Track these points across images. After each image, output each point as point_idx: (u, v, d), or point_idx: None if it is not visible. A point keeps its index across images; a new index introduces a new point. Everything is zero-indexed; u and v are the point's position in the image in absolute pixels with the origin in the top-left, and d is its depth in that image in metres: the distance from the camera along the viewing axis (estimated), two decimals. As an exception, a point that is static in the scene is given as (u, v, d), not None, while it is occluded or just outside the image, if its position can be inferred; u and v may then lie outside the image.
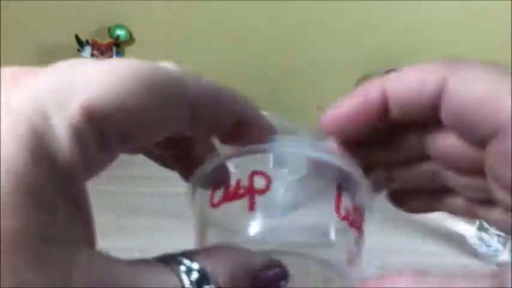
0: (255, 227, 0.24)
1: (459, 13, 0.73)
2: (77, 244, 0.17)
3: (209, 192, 0.25)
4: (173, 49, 0.75)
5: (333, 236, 0.24)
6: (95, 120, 0.17)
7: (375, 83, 0.23)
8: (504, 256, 0.57)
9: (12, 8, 0.70)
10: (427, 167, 0.25)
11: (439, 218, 0.62)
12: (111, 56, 0.77)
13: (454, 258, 0.58)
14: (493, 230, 0.57)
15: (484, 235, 0.58)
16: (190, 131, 0.22)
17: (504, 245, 0.57)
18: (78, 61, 0.19)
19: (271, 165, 0.24)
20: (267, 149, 0.24)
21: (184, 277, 0.18)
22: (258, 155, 0.24)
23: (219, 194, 0.24)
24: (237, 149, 0.24)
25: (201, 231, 0.25)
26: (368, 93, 0.23)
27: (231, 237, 0.24)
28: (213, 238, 0.25)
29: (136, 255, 0.20)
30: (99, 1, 0.74)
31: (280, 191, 0.24)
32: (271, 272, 0.21)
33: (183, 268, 0.18)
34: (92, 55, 0.77)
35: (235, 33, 0.75)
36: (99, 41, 0.76)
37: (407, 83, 0.23)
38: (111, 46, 0.76)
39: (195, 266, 0.19)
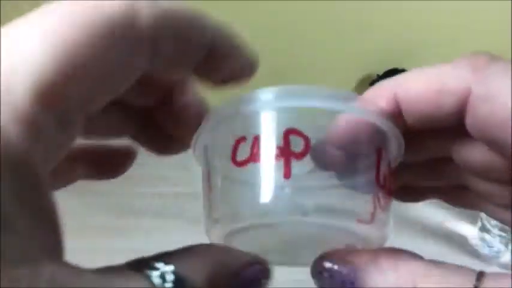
0: (286, 199, 0.21)
1: (459, 13, 0.73)
2: (39, 260, 0.15)
3: (231, 144, 0.21)
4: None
5: (370, 209, 0.21)
6: (48, 102, 0.15)
7: (384, 90, 0.21)
8: (506, 257, 0.57)
9: (10, 6, 0.70)
10: (448, 168, 0.22)
11: (440, 219, 0.62)
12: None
13: (455, 259, 0.57)
14: (495, 231, 0.57)
15: (486, 236, 0.58)
16: (153, 69, 0.19)
17: (506, 245, 0.57)
18: (8, 30, 0.16)
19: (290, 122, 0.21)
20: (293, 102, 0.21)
21: (158, 282, 0.17)
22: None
23: (244, 150, 0.21)
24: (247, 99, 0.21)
25: (222, 189, 0.22)
26: (376, 102, 0.21)
27: (259, 200, 0.21)
28: (236, 198, 0.22)
29: (136, 255, 0.20)
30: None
31: (318, 157, 0.21)
32: (251, 270, 0.20)
33: (156, 273, 0.17)
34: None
35: (237, 31, 0.75)
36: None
37: (422, 94, 0.20)
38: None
39: (170, 268, 0.17)
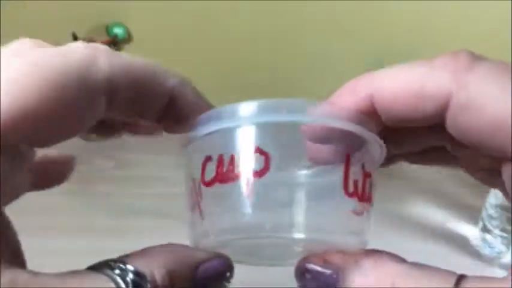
0: (251, 216, 0.21)
1: (459, 13, 0.73)
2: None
3: (201, 163, 0.22)
4: (172, 48, 0.75)
5: (338, 218, 0.21)
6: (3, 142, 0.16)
7: (359, 89, 0.20)
8: (507, 258, 0.56)
9: (10, 6, 0.69)
10: (424, 135, 0.22)
11: (441, 219, 0.62)
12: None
13: (456, 260, 0.57)
14: (496, 232, 0.57)
15: (487, 236, 0.57)
16: (111, 115, 0.20)
17: (507, 246, 0.56)
18: None
19: (256, 141, 0.21)
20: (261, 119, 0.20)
21: (119, 281, 0.18)
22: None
23: (211, 169, 0.21)
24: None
25: (194, 204, 0.22)
26: (347, 103, 0.20)
27: (223, 219, 0.22)
28: (208, 215, 0.22)
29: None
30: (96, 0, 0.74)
31: (281, 172, 0.21)
32: (210, 264, 0.21)
33: (117, 271, 0.18)
34: (90, 54, 0.77)
35: (236, 31, 0.74)
36: (97, 40, 0.76)
37: (400, 97, 0.19)
38: (109, 45, 0.76)
39: (130, 268, 0.18)
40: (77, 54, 0.18)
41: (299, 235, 0.21)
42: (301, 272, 0.20)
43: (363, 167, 0.21)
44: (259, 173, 0.21)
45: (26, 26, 0.72)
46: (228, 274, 0.22)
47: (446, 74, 0.18)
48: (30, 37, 0.21)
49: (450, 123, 0.18)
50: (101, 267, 0.18)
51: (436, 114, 0.18)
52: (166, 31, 0.75)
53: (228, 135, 0.21)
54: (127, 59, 0.19)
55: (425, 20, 0.74)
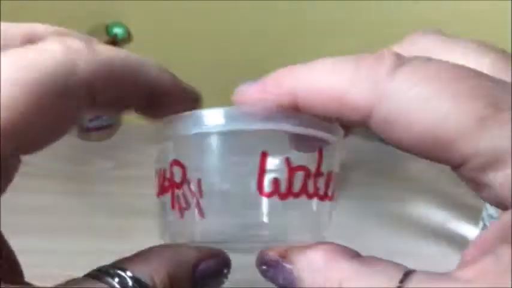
0: (172, 229, 0.22)
1: (459, 13, 0.73)
2: None
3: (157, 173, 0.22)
4: (172, 48, 0.75)
5: (263, 219, 0.21)
6: None
7: (283, 83, 0.19)
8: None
9: (10, 6, 0.69)
10: None
11: (441, 219, 0.62)
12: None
13: (456, 260, 0.57)
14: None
15: (488, 236, 0.57)
16: (93, 113, 0.20)
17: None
18: None
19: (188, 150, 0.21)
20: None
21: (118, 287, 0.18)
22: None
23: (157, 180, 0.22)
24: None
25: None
26: (275, 96, 0.19)
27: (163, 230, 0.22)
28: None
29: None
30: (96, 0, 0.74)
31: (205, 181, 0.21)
32: (207, 264, 0.21)
33: (116, 279, 0.18)
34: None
35: (236, 31, 0.74)
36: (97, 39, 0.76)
37: (323, 103, 0.18)
38: (109, 45, 0.75)
39: (128, 274, 0.18)
40: (55, 61, 0.18)
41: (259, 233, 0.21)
42: (260, 263, 0.21)
43: (289, 163, 0.20)
44: (178, 185, 0.21)
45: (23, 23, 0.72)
46: (225, 271, 0.22)
47: (367, 84, 0.17)
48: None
49: (375, 130, 0.18)
50: (99, 275, 0.18)
51: (362, 122, 0.18)
52: (167, 31, 0.75)
53: (162, 148, 0.22)
54: (106, 58, 0.19)
55: (425, 20, 0.74)
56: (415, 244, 0.59)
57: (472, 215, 0.61)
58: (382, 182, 0.68)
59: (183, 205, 0.21)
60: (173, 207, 0.21)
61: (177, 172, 0.21)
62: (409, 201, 0.64)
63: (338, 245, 0.20)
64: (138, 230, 0.62)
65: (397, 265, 0.18)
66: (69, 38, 0.19)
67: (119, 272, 0.18)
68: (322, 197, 0.21)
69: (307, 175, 0.21)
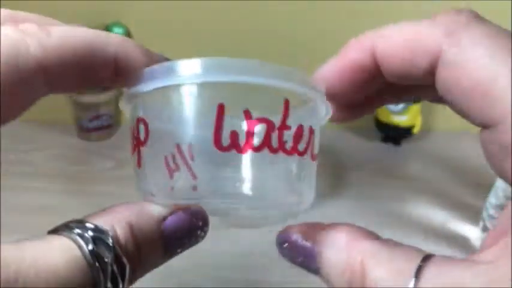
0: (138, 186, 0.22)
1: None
2: None
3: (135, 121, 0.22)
4: (172, 48, 0.75)
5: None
6: None
7: (364, 42, 0.21)
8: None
9: (10, 6, 0.69)
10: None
11: (442, 220, 0.61)
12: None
13: (456, 260, 0.57)
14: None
15: (488, 236, 0.57)
16: (58, 91, 0.20)
17: (508, 246, 0.56)
18: None
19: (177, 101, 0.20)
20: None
21: (78, 239, 0.18)
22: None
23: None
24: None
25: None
26: (356, 56, 0.21)
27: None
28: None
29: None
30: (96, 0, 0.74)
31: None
32: (175, 218, 0.20)
33: (76, 231, 0.18)
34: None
35: (236, 31, 0.74)
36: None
37: (398, 52, 0.19)
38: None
39: (89, 225, 0.18)
40: (5, 43, 0.18)
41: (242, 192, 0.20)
42: (280, 243, 0.21)
43: (273, 127, 0.20)
44: (142, 143, 0.20)
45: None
46: (200, 224, 0.21)
47: (442, 29, 0.18)
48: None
49: (437, 81, 0.19)
50: (59, 229, 0.18)
51: (429, 69, 0.19)
52: (166, 31, 0.75)
53: (132, 106, 0.22)
54: (60, 38, 0.19)
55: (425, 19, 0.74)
56: (415, 244, 0.59)
57: (472, 215, 0.61)
58: (382, 182, 0.68)
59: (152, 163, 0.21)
60: (139, 165, 0.21)
61: (141, 129, 0.21)
62: (409, 201, 0.64)
63: (360, 227, 0.20)
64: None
65: (417, 249, 0.19)
66: (24, 22, 0.19)
67: (79, 224, 0.18)
68: (290, 152, 0.20)
69: (271, 128, 0.20)
